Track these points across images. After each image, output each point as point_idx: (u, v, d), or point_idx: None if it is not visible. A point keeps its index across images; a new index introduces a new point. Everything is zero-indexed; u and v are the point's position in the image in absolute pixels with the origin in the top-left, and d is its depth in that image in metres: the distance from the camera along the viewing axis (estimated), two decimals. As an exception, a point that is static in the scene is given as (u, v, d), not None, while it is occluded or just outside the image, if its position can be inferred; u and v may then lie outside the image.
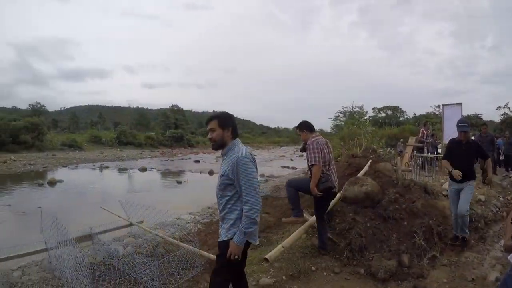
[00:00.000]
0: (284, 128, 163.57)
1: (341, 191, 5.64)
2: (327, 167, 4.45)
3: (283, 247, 4.21)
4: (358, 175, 6.41)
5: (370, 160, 7.57)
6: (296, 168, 25.21)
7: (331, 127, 48.15)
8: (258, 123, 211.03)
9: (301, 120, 4.79)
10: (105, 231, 6.94)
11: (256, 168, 2.72)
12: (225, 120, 2.75)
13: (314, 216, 4.83)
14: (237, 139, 2.79)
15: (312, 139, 4.50)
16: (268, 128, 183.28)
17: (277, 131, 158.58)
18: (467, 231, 5.02)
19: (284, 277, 4.08)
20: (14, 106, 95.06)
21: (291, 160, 35.83)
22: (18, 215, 11.09)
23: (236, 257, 2.59)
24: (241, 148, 2.70)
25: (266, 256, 3.91)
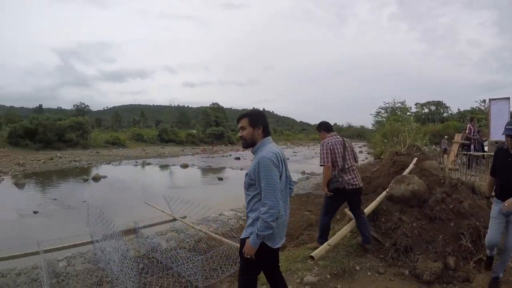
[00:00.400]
0: None
1: (387, 190, 5.50)
2: (339, 168, 4.49)
3: (329, 245, 4.14)
4: (403, 174, 6.22)
5: (416, 158, 7.31)
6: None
7: (373, 124, 47.03)
8: (298, 120, 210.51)
9: (322, 121, 4.91)
10: (149, 226, 7.14)
11: (284, 168, 2.71)
12: (255, 119, 2.74)
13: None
14: (268, 137, 2.77)
15: (325, 140, 4.59)
16: (308, 125, 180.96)
17: None
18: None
19: (328, 276, 4.02)
20: (59, 107, 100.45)
21: (331, 156, 34.96)
22: (64, 209, 11.59)
23: (248, 256, 2.60)
24: (267, 148, 2.67)
25: (312, 254, 3.85)
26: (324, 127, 4.75)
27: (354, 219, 4.78)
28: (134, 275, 4.28)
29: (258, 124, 2.72)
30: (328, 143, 4.51)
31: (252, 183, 2.63)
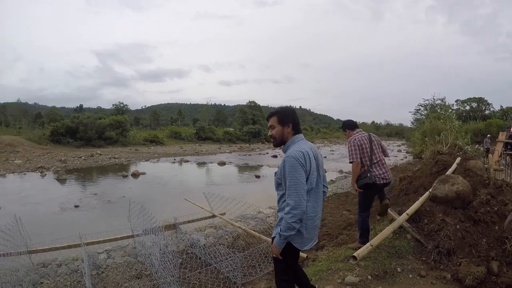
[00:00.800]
0: (362, 122, 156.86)
1: (430, 190, 5.32)
2: (367, 163, 4.53)
3: (371, 245, 4.03)
4: (446, 173, 5.98)
5: (459, 158, 7.06)
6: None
7: (412, 122, 45.67)
8: (335, 118, 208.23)
9: (345, 120, 5.10)
10: (189, 222, 7.30)
11: (316, 167, 2.65)
12: (284, 116, 2.71)
13: (401, 216, 4.70)
14: (298, 135, 2.72)
15: (351, 137, 4.70)
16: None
17: None
18: None
19: (369, 277, 3.91)
20: (99, 106, 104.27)
21: (370, 155, 34.10)
22: (103, 204, 11.95)
23: (274, 255, 2.63)
24: (296, 146, 2.61)
25: (354, 254, 3.74)
26: (349, 126, 4.89)
27: (396, 220, 4.69)
28: (174, 269, 4.30)
29: (287, 121, 2.68)
30: (355, 139, 4.60)
31: (279, 182, 2.61)
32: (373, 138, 4.70)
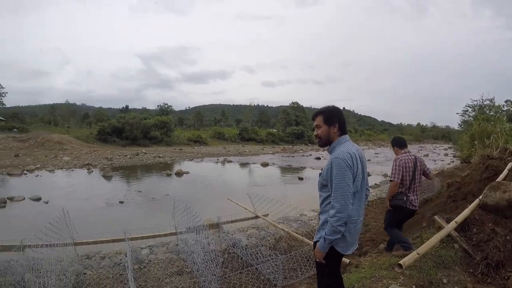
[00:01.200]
0: (408, 124, 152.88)
1: (480, 197, 5.09)
2: (407, 186, 4.75)
3: (418, 254, 3.90)
4: (497, 180, 5.68)
5: (511, 163, 6.67)
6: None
7: (459, 124, 43.59)
8: (379, 119, 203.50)
9: (395, 136, 5.34)
10: (232, 221, 7.34)
11: (361, 170, 2.59)
12: (330, 116, 2.68)
13: (450, 224, 4.63)
14: (345, 136, 2.68)
15: (398, 157, 4.88)
16: (390, 124, 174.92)
17: (400, 128, 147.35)
18: None
19: (413, 287, 3.77)
20: (144, 107, 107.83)
21: (415, 160, 32.78)
22: (147, 201, 12.29)
23: (318, 260, 2.61)
24: (343, 147, 2.57)
25: (400, 262, 3.64)
26: (398, 143, 5.05)
27: (444, 228, 4.58)
28: (216, 268, 4.32)
29: (334, 121, 2.64)
30: (401, 160, 4.77)
31: (324, 184, 2.58)
32: (418, 163, 4.86)
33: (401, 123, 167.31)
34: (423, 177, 5.07)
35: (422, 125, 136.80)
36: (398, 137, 5.21)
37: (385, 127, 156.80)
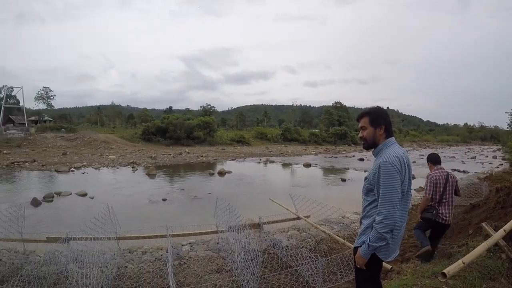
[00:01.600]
0: (454, 124, 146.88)
1: None
2: (436, 200, 4.95)
3: (463, 263, 3.72)
4: None
5: None
6: (468, 172, 21.93)
7: (508, 124, 41.18)
8: (424, 119, 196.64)
9: (431, 153, 5.49)
10: (273, 222, 7.34)
11: (408, 174, 2.46)
12: (377, 117, 2.57)
13: (497, 232, 4.43)
14: (391, 138, 2.58)
15: (430, 173, 5.06)
16: (436, 124, 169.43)
17: (446, 128, 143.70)
18: None
19: None
20: (187, 108, 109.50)
21: (462, 162, 31.55)
22: (190, 199, 12.53)
23: (358, 266, 2.55)
24: (390, 150, 2.47)
25: (444, 271, 3.48)
26: (432, 160, 5.25)
27: (491, 236, 4.37)
28: (256, 268, 4.33)
29: (380, 123, 2.54)
30: (433, 177, 4.97)
31: (371, 188, 2.50)
32: (449, 179, 5.01)
33: (447, 123, 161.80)
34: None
35: (469, 125, 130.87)
36: (433, 154, 5.40)
37: (431, 127, 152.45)
